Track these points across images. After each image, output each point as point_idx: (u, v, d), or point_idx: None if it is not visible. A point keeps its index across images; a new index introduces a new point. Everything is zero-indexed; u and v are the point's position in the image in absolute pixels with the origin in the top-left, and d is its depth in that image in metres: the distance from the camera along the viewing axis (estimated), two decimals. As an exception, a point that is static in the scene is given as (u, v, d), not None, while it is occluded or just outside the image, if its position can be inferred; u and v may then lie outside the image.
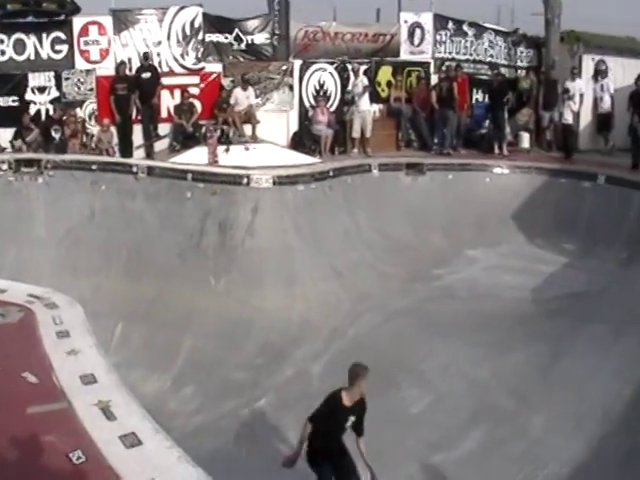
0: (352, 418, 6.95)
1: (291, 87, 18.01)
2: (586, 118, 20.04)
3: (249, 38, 17.64)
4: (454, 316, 12.17)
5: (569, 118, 18.31)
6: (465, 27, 20.38)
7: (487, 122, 18.86)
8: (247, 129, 16.87)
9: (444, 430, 9.21)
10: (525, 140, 19.24)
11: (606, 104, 19.74)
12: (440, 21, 19.83)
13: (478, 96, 20.19)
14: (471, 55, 20.43)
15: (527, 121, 19.35)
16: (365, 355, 10.82)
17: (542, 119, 19.35)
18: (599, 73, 20.24)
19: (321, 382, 10.36)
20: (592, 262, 14.42)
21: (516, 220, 16.38)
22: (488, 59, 20.76)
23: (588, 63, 20.49)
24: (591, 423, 8.94)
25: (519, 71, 21.14)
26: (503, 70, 20.54)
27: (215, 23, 17.36)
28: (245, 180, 13.81)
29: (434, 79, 19.39)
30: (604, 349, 10.08)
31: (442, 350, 10.96)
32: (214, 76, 17.35)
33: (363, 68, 18.39)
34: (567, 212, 15.90)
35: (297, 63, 18.12)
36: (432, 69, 19.72)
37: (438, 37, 19.80)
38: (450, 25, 20.06)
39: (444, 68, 19.34)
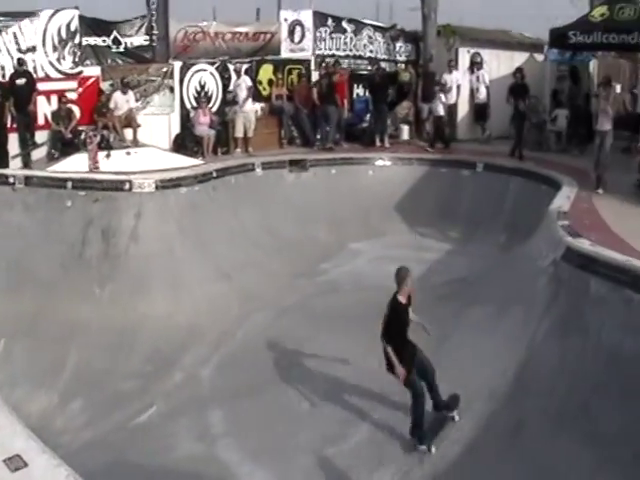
0: (410, 311, 8.62)
1: (172, 89, 17.79)
2: (463, 109, 20.71)
3: (127, 40, 17.37)
4: (341, 309, 12.33)
5: (440, 110, 18.77)
6: (344, 24, 20.69)
7: (368, 116, 19.14)
8: (128, 133, 16.62)
9: (337, 422, 9.32)
10: (405, 132, 19.70)
11: (482, 95, 20.48)
12: (320, 18, 20.06)
13: (359, 91, 20.52)
14: (351, 51, 20.78)
15: (407, 113, 19.82)
16: (254, 354, 11.00)
17: (421, 111, 19.78)
18: (475, 65, 20.95)
19: (211, 385, 10.40)
20: (474, 247, 14.93)
21: (399, 211, 16.75)
22: (368, 54, 21.19)
23: (464, 56, 21.22)
24: (479, 403, 9.21)
25: (398, 65, 21.56)
26: (383, 64, 20.95)
27: (92, 26, 16.97)
28: (127, 185, 13.52)
29: (315, 76, 19.56)
30: (488, 330, 10.37)
31: (331, 343, 11.05)
32: (92, 80, 16.93)
33: (244, 67, 18.36)
34: (448, 200, 16.40)
35: (177, 64, 17.91)
36: (313, 66, 19.90)
37: (318, 34, 20.01)
38: (329, 22, 20.32)
39: (324, 64, 19.55)
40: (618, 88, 21.73)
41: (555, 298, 9.92)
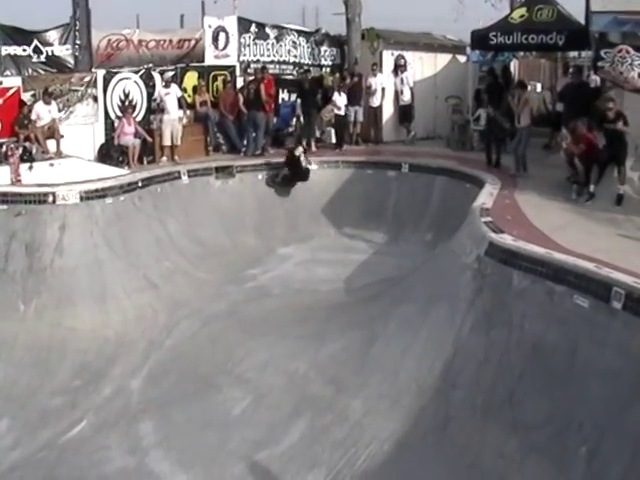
0: None
1: (95, 98, 17.46)
2: (388, 111, 20.91)
3: (49, 49, 16.88)
4: (270, 314, 12.35)
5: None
6: (268, 29, 20.69)
7: (294, 120, 19.18)
8: (51, 145, 16.24)
9: (267, 427, 9.31)
10: (332, 135, 19.79)
11: (406, 96, 20.81)
12: (244, 24, 20.03)
13: (284, 96, 20.52)
14: (275, 56, 20.74)
15: (332, 117, 19.89)
16: (183, 363, 10.93)
17: (348, 114, 19.91)
18: (399, 67, 21.21)
19: (141, 396, 10.26)
20: (400, 247, 15.17)
21: (326, 214, 16.88)
22: (292, 59, 21.20)
23: (388, 58, 21.39)
24: (407, 399, 9.29)
25: (323, 69, 21.69)
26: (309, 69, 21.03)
27: (12, 35, 16.38)
28: (51, 198, 13.24)
29: (240, 82, 19.53)
30: (415, 328, 10.41)
31: (260, 349, 11.05)
32: (13, 91, 16.40)
33: (169, 75, 18.21)
34: (375, 201, 16.59)
35: (100, 73, 17.58)
36: (238, 72, 19.84)
37: (242, 40, 19.96)
38: (253, 28, 20.28)
39: (250, 71, 19.54)
40: (539, 87, 22.33)
41: (479, 293, 10.05)
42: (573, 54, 24.00)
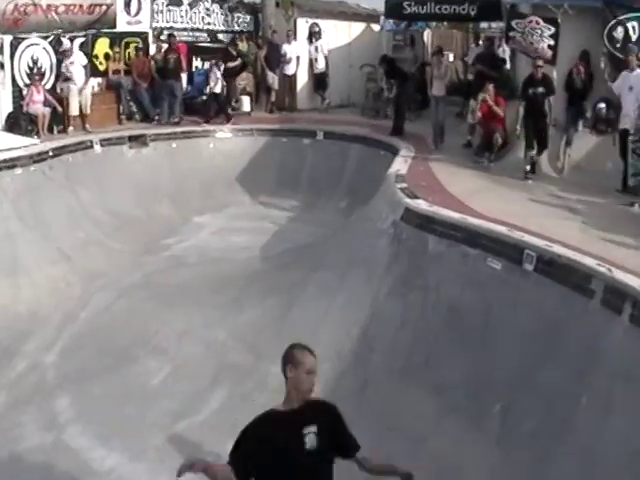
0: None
1: (2, 65, 16.71)
2: (303, 79, 20.85)
3: (-48, 16, 16.17)
4: (187, 283, 12.19)
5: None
6: (181, -5, 20.23)
7: (208, 88, 18.89)
8: (-45, 114, 15.68)
9: (186, 397, 9.20)
10: (246, 103, 19.64)
11: (321, 64, 20.77)
12: (157, -10, 19.52)
13: (197, 63, 20.19)
14: (188, 23, 20.32)
15: (246, 84, 19.73)
16: (99, 336, 10.71)
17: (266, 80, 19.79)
18: (313, 35, 21.05)
19: (57, 371, 9.99)
20: (316, 214, 15.24)
21: (242, 182, 16.80)
22: (206, 27, 20.79)
23: (303, 26, 21.21)
24: (326, 365, 9.23)
25: (237, 36, 21.42)
26: (221, 36, 20.76)
27: None
28: (-44, 169, 12.79)
29: (153, 49, 19.11)
30: (332, 294, 10.46)
31: (177, 318, 10.88)
32: None
33: (79, 41, 17.64)
34: (290, 169, 16.62)
35: (7, 39, 16.77)
36: (150, 39, 19.37)
37: (155, 6, 19.38)
38: (166, -6, 19.81)
39: (162, 37, 19.13)
40: (451, 57, 22.58)
41: (396, 258, 10.20)
42: (484, 25, 24.41)
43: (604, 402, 6.93)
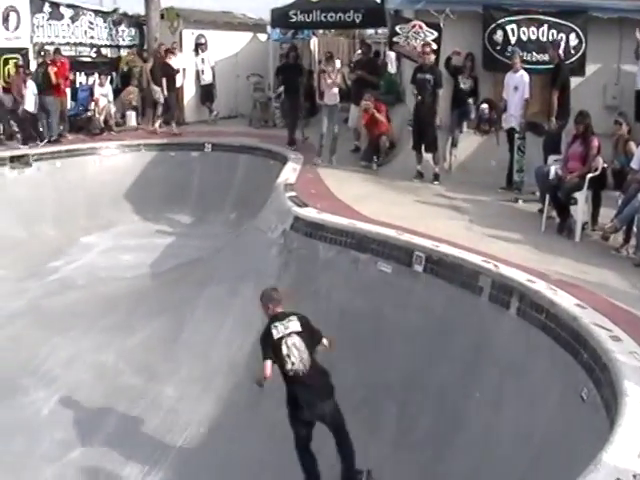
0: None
1: None
2: (190, 91, 20.62)
3: None
4: (75, 306, 11.77)
5: None
6: (62, 9, 19.53)
7: (92, 105, 18.45)
8: None
9: (78, 424, 8.86)
10: (132, 118, 19.28)
11: (207, 76, 20.64)
12: (36, 4, 18.68)
13: (81, 79, 19.65)
14: (71, 38, 19.76)
15: (132, 99, 19.36)
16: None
17: (153, 95, 19.45)
18: (199, 47, 20.86)
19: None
20: (205, 228, 15.17)
21: (129, 199, 16.46)
22: (89, 41, 20.26)
23: (188, 38, 21.02)
24: (220, 379, 9.25)
25: (121, 50, 21.01)
26: (105, 51, 20.31)
27: None
28: None
29: (34, 65, 18.48)
30: (223, 309, 10.35)
31: (65, 344, 10.46)
32: None
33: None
34: (178, 184, 16.42)
35: None
36: (31, 55, 18.73)
37: (35, 21, 18.73)
38: (46, 7, 19.06)
39: (42, 53, 18.52)
40: (338, 63, 22.73)
41: (286, 267, 10.20)
42: (370, 32, 24.76)
43: (496, 394, 7.04)
